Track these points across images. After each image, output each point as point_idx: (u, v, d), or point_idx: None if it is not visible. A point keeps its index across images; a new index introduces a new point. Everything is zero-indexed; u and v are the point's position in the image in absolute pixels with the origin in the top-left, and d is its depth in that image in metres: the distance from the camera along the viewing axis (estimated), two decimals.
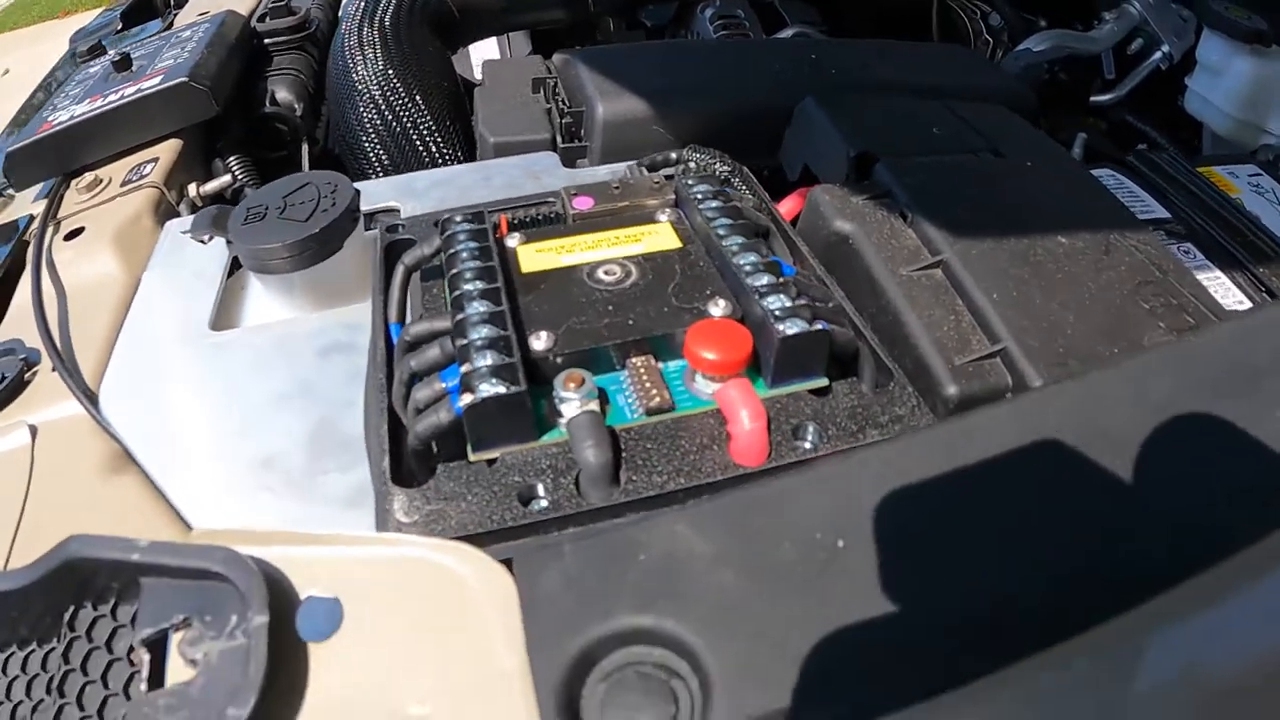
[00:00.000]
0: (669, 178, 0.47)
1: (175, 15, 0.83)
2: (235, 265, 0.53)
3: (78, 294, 0.53)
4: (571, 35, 0.93)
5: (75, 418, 0.46)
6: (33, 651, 0.34)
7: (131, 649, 0.31)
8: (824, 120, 0.51)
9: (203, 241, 0.51)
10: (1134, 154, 0.62)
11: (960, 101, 0.59)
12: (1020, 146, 0.52)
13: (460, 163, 0.66)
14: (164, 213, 0.58)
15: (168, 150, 0.61)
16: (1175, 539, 0.23)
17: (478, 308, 0.34)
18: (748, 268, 0.36)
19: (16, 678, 0.33)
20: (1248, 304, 0.51)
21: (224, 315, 0.50)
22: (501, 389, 0.31)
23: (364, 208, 0.51)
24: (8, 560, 0.41)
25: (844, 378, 0.36)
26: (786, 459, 0.32)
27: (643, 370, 0.34)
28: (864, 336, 0.36)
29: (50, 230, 0.58)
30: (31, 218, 0.62)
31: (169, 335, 0.48)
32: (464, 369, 0.32)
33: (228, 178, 0.61)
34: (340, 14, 0.75)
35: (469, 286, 0.35)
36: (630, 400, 0.34)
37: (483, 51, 0.87)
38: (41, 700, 0.32)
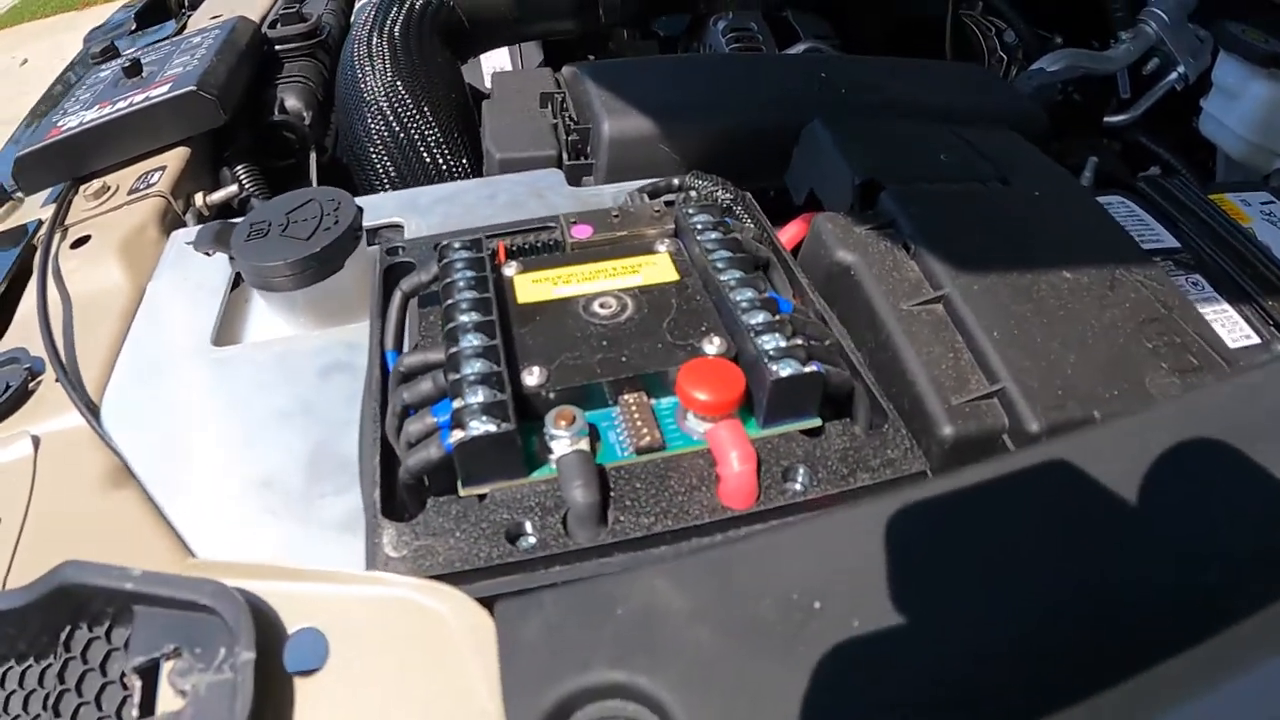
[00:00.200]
0: (670, 203, 0.47)
1: (189, 16, 0.84)
2: (239, 278, 0.53)
3: (83, 303, 0.54)
4: (584, 45, 0.92)
5: (78, 429, 0.46)
6: (30, 667, 0.34)
7: (124, 674, 0.32)
8: (830, 144, 0.50)
9: (206, 254, 0.52)
10: (1145, 180, 0.61)
11: (972, 122, 0.59)
12: (1028, 174, 0.51)
13: (466, 174, 0.66)
14: (170, 222, 0.59)
15: (175, 158, 0.61)
16: (1159, 615, 0.23)
17: (471, 341, 0.34)
18: (744, 304, 0.36)
19: (14, 692, 0.34)
20: (1255, 339, 0.50)
21: (226, 330, 0.50)
22: (492, 427, 0.31)
23: (367, 223, 0.51)
24: (9, 570, 0.41)
25: (838, 417, 0.36)
26: (775, 502, 0.32)
27: (634, 407, 0.34)
28: (860, 376, 0.36)
29: (57, 238, 0.58)
30: (40, 222, 0.62)
31: (171, 349, 0.48)
32: (455, 404, 0.32)
33: (234, 187, 0.61)
34: (352, 20, 0.75)
35: (463, 318, 0.35)
36: (621, 438, 0.34)
37: (494, 60, 0.87)
38: (38, 716, 0.32)
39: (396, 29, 0.66)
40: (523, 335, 0.36)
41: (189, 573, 0.34)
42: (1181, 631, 0.22)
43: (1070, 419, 0.38)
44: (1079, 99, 0.72)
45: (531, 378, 0.34)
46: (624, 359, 0.35)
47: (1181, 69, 0.76)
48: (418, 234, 0.53)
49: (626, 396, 0.35)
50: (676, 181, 0.46)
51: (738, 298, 0.36)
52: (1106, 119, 0.76)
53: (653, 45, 0.94)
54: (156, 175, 0.60)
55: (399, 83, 0.64)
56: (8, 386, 0.49)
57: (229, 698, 0.28)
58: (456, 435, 0.31)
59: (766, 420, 0.34)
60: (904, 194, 0.46)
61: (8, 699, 0.33)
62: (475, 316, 0.35)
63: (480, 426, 0.31)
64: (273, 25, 0.72)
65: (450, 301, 0.36)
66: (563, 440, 0.32)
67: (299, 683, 0.29)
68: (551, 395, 0.34)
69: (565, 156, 0.57)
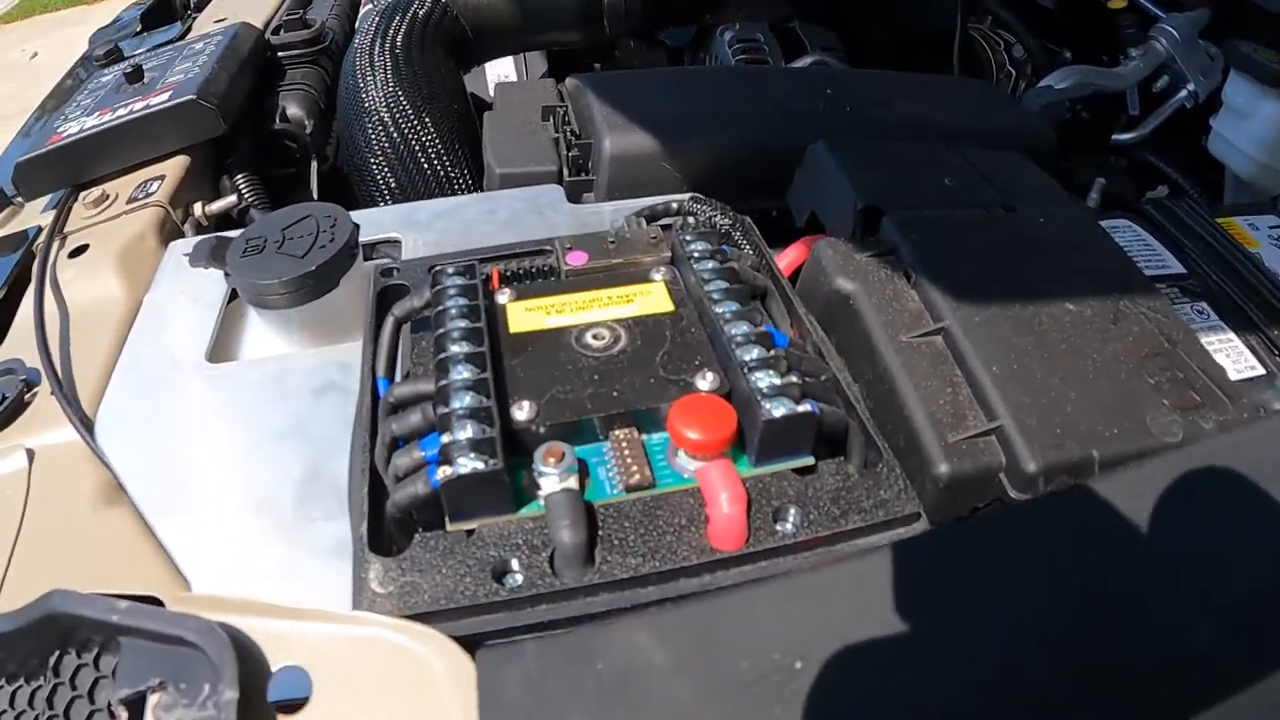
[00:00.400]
0: (668, 226, 0.46)
1: (194, 19, 0.83)
2: (235, 291, 0.53)
3: (80, 314, 0.54)
4: (589, 54, 0.92)
5: (72, 444, 0.46)
6: (20, 688, 0.34)
7: (111, 704, 0.32)
8: (834, 167, 0.50)
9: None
10: (1151, 203, 0.60)
11: (979, 141, 0.58)
12: (1034, 200, 0.51)
13: (468, 185, 0.66)
14: (169, 232, 0.59)
15: (175, 167, 0.61)
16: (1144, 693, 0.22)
17: (461, 373, 0.34)
18: (738, 338, 0.35)
19: (4, 712, 0.34)
20: (1259, 369, 0.50)
21: (222, 346, 0.50)
22: (479, 464, 0.31)
23: (365, 237, 0.51)
24: (2, 581, 0.41)
25: (832, 455, 0.35)
26: (765, 544, 0.32)
27: (625, 444, 0.34)
28: (855, 413, 0.35)
29: (56, 246, 0.58)
30: (40, 229, 0.62)
31: (167, 364, 0.48)
32: (444, 439, 0.32)
33: (233, 198, 0.61)
34: (356, 27, 0.75)
35: (455, 349, 0.35)
36: (611, 474, 0.34)
37: (499, 68, 0.87)
38: None
39: (399, 39, 0.65)
40: (514, 367, 0.36)
41: (176, 606, 0.34)
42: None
43: (1068, 459, 0.37)
44: (1087, 117, 0.71)
45: (521, 412, 0.33)
46: (615, 394, 0.34)
47: (1191, 87, 0.75)
48: (415, 250, 0.53)
49: (617, 432, 0.34)
50: (675, 205, 0.46)
51: (732, 331, 0.36)
52: (1115, 137, 0.76)
53: (659, 54, 0.93)
54: (156, 184, 0.60)
55: (401, 93, 0.63)
56: (3, 398, 0.49)
57: None
58: (444, 472, 0.31)
59: (758, 459, 0.34)
60: (906, 221, 0.46)
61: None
62: (466, 347, 0.35)
63: (468, 464, 0.31)
64: (276, 31, 0.72)
65: (442, 331, 0.36)
66: (551, 477, 0.32)
67: (282, 718, 0.29)
68: (541, 430, 0.33)
69: (566, 172, 0.56)
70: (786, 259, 0.49)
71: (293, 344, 0.49)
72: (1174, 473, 0.27)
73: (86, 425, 0.46)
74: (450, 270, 0.39)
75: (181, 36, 0.79)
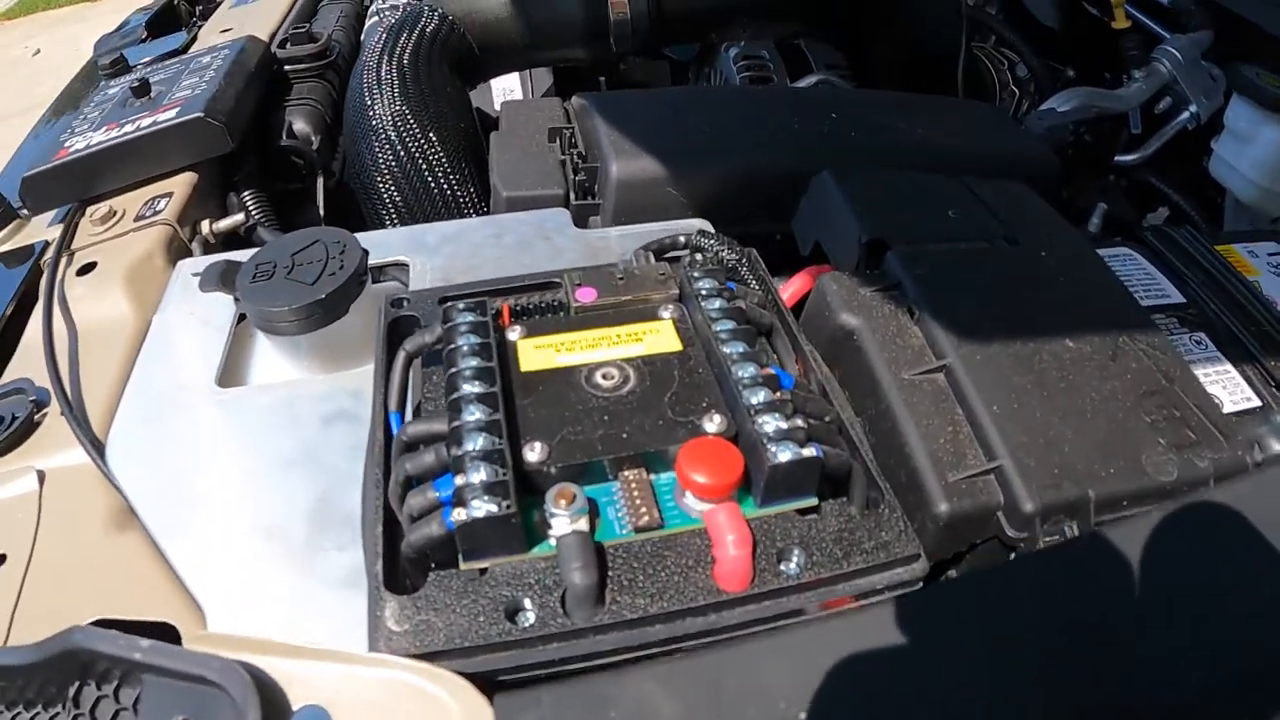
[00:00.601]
0: (676, 259, 0.47)
1: (199, 28, 0.83)
2: (244, 314, 0.53)
3: (89, 334, 0.54)
4: (595, 68, 0.92)
5: (83, 466, 0.47)
6: (38, 714, 0.35)
7: None
8: (839, 198, 0.50)
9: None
10: (1152, 231, 0.61)
11: (983, 167, 0.59)
12: (1036, 231, 0.51)
13: (474, 203, 0.66)
14: (176, 251, 0.59)
15: (182, 184, 0.61)
16: None
17: (474, 413, 0.34)
18: (745, 379, 0.36)
19: None
20: (1255, 401, 0.51)
21: (231, 370, 0.50)
22: (493, 507, 0.31)
23: (372, 260, 0.52)
24: (15, 609, 0.42)
25: (835, 494, 0.36)
26: (769, 585, 0.33)
27: (634, 485, 0.34)
28: (859, 454, 0.36)
29: (64, 263, 0.58)
30: (47, 243, 0.63)
31: (177, 388, 0.48)
32: (458, 481, 0.32)
33: (241, 216, 0.61)
34: (362, 40, 0.75)
35: (467, 388, 0.35)
36: (620, 514, 0.34)
37: (504, 83, 0.87)
38: None
39: (406, 56, 0.66)
40: (525, 407, 0.36)
41: (195, 643, 0.34)
42: None
43: (1065, 499, 0.38)
44: (1090, 140, 0.71)
45: (533, 454, 0.34)
46: (625, 435, 0.35)
47: (1194, 108, 0.75)
48: (423, 273, 0.53)
49: (626, 473, 0.35)
50: (682, 239, 0.46)
51: (740, 373, 0.36)
52: (1117, 158, 0.76)
53: (663, 67, 0.93)
54: (163, 202, 0.60)
55: (408, 110, 0.64)
56: (13, 418, 0.50)
57: None
58: (459, 514, 0.32)
59: (764, 500, 0.34)
60: (910, 255, 0.46)
61: None
62: (478, 387, 0.36)
63: (482, 506, 0.31)
64: (282, 44, 0.72)
65: (454, 369, 0.36)
66: (562, 519, 0.33)
67: None
68: (552, 471, 0.34)
69: (572, 196, 0.57)
70: (791, 289, 0.50)
71: (302, 369, 0.49)
72: (1169, 528, 0.28)
73: (97, 448, 0.47)
74: (461, 306, 0.40)
75: (187, 46, 0.79)
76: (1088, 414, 0.41)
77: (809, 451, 0.34)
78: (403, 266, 0.54)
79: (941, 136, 0.62)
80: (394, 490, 0.35)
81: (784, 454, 0.33)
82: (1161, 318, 0.53)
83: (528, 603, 0.32)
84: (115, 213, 0.60)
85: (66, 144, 0.63)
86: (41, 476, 0.47)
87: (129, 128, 0.62)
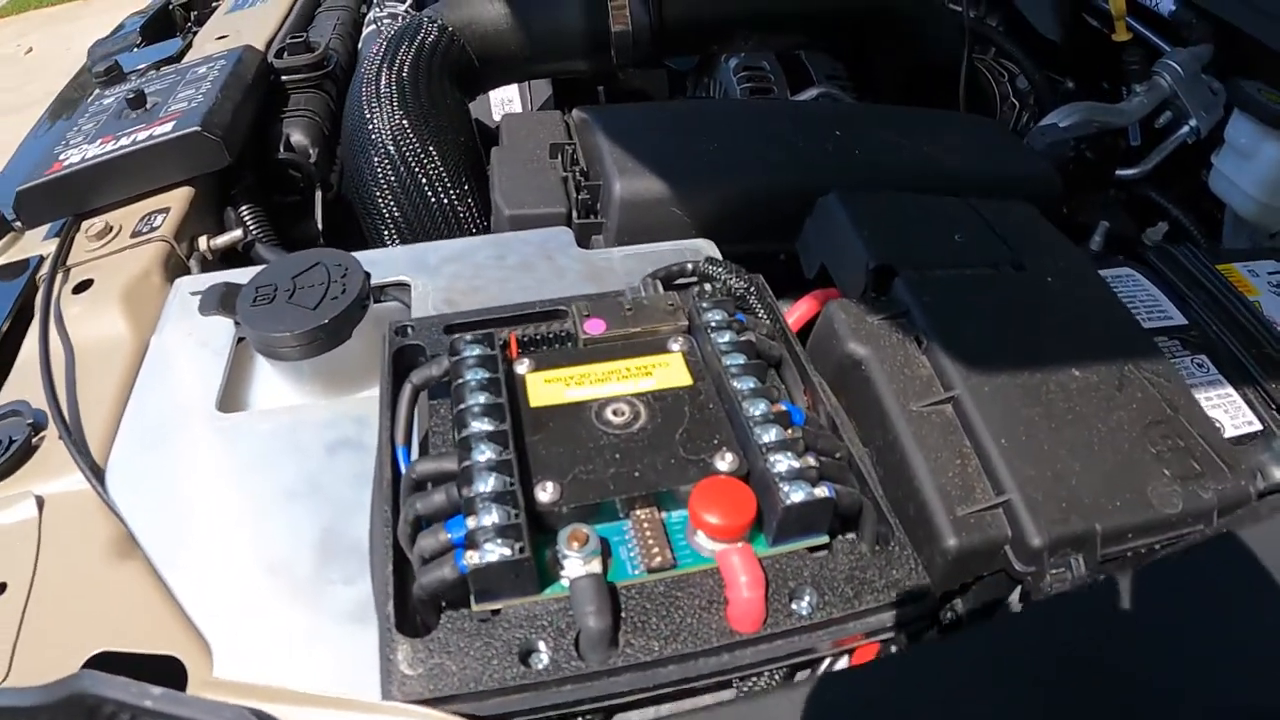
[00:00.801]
0: (683, 286, 0.47)
1: (194, 34, 0.82)
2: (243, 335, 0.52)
3: (85, 354, 0.54)
4: (594, 79, 0.91)
5: (82, 492, 0.46)
6: None
7: None
8: (845, 222, 0.50)
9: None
10: (1154, 250, 0.61)
11: (987, 186, 0.59)
12: (1042, 255, 0.51)
13: (475, 217, 0.66)
14: (174, 268, 0.58)
15: (179, 200, 0.60)
16: None
17: (484, 452, 0.34)
18: (757, 417, 0.36)
19: None
20: (1256, 425, 0.51)
21: (232, 394, 0.50)
22: (507, 550, 0.31)
23: (374, 280, 0.51)
24: (16, 640, 0.41)
25: (844, 531, 0.36)
26: (782, 626, 0.33)
27: (646, 525, 0.34)
28: (869, 491, 0.36)
29: (59, 279, 0.58)
30: (42, 258, 0.62)
31: (176, 413, 0.48)
32: (470, 523, 0.32)
33: (239, 232, 0.60)
34: (360, 48, 0.74)
35: (477, 426, 0.35)
36: (632, 554, 0.34)
37: (502, 92, 0.86)
38: None
39: (405, 68, 0.65)
40: (535, 444, 0.36)
41: (205, 689, 0.34)
42: None
43: (1073, 533, 0.38)
44: (1091, 156, 0.72)
45: (545, 494, 0.34)
46: (637, 474, 0.35)
47: (1194, 122, 0.75)
48: (425, 295, 0.52)
49: (638, 512, 0.35)
50: (690, 267, 0.46)
51: (751, 410, 0.36)
52: (1118, 173, 0.76)
53: (661, 76, 0.93)
54: (160, 218, 0.59)
55: (407, 124, 0.63)
56: (10, 441, 0.49)
57: None
58: (472, 558, 0.31)
59: (776, 539, 0.34)
60: (918, 282, 0.46)
61: None
62: (488, 424, 0.35)
63: (495, 550, 0.31)
64: (279, 54, 0.71)
65: (463, 406, 0.36)
66: (575, 561, 0.33)
67: None
68: (564, 511, 0.34)
69: (575, 214, 0.57)
70: (796, 313, 0.49)
71: (304, 394, 0.49)
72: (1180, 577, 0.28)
73: (97, 474, 0.46)
74: (469, 338, 0.39)
75: (182, 53, 0.78)
76: (1094, 446, 0.41)
77: (821, 491, 0.33)
78: (404, 287, 0.54)
79: (945, 154, 0.62)
80: (403, 530, 0.35)
81: (797, 494, 0.33)
82: (1164, 340, 0.53)
83: (541, 645, 0.32)
84: (111, 228, 0.60)
85: (61, 157, 0.62)
86: (40, 502, 0.47)
87: (125, 141, 0.61)
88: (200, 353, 0.51)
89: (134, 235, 0.59)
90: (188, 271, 0.59)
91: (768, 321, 0.43)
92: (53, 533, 0.45)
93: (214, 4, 0.89)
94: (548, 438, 0.36)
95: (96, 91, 0.71)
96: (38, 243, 0.64)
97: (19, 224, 0.66)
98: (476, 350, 0.39)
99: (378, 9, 0.83)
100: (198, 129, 0.59)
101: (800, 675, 0.35)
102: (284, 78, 0.70)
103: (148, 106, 0.64)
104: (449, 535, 0.33)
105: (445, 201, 0.64)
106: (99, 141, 0.62)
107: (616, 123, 0.60)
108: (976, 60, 0.84)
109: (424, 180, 0.63)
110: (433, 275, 0.54)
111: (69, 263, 0.59)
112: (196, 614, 0.40)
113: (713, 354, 0.39)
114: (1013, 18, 0.93)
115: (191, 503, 0.44)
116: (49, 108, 0.83)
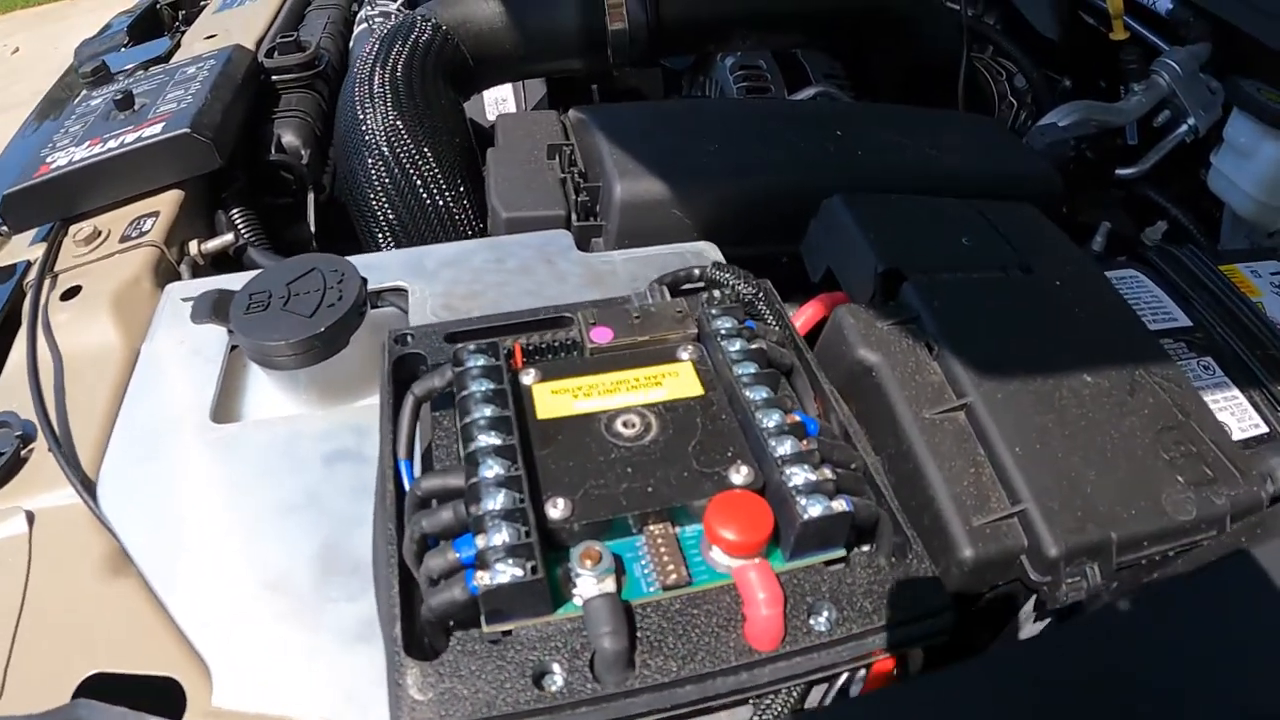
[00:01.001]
0: (690, 292, 0.46)
1: (183, 34, 0.80)
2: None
3: (75, 362, 0.52)
4: (588, 77, 0.90)
5: (73, 507, 0.45)
6: None
7: None
8: (851, 225, 0.49)
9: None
10: (1156, 250, 0.61)
11: (988, 186, 0.58)
12: (1048, 258, 0.51)
13: (470, 219, 0.65)
14: (164, 273, 0.57)
15: (169, 203, 0.59)
16: None
17: (493, 467, 0.33)
18: (771, 428, 0.35)
19: None
20: (1262, 427, 0.51)
21: (225, 404, 0.48)
22: (519, 571, 0.30)
23: (370, 285, 0.50)
24: (9, 659, 0.40)
25: (860, 542, 0.36)
26: (800, 643, 0.32)
27: (660, 541, 0.33)
28: (885, 502, 0.35)
29: (47, 285, 0.56)
30: (29, 263, 0.60)
31: (169, 424, 0.47)
32: (479, 542, 0.31)
33: (230, 235, 0.59)
34: (351, 47, 0.73)
35: (484, 440, 0.34)
36: (647, 571, 0.33)
37: (496, 91, 0.85)
38: None
39: (399, 68, 0.64)
40: (544, 458, 0.35)
41: (205, 719, 0.33)
42: None
43: (1089, 541, 0.38)
44: (1091, 156, 0.71)
45: (556, 510, 0.33)
46: (649, 489, 0.34)
47: (1192, 121, 0.75)
48: (423, 300, 0.51)
49: (652, 528, 0.34)
50: (697, 272, 0.45)
51: (765, 422, 0.35)
52: (1117, 172, 0.76)
53: (657, 75, 0.92)
54: (149, 222, 0.58)
55: (401, 125, 0.62)
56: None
57: None
58: (482, 579, 0.30)
59: (793, 554, 0.34)
60: (927, 286, 0.46)
61: None
62: (495, 438, 0.34)
63: (507, 570, 0.30)
64: (269, 53, 0.70)
65: (468, 419, 0.35)
66: (588, 579, 0.32)
67: None
68: (576, 528, 0.33)
69: (574, 216, 0.56)
70: (803, 317, 0.49)
71: (300, 404, 0.47)
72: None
73: (88, 487, 0.45)
74: (472, 348, 0.38)
75: (170, 53, 0.76)
76: (1108, 453, 0.41)
77: (840, 505, 0.33)
78: (401, 293, 0.53)
79: (947, 154, 0.62)
80: (409, 548, 0.33)
81: (815, 508, 0.32)
82: (1170, 342, 0.53)
83: (556, 667, 0.31)
84: (100, 233, 0.58)
85: (47, 159, 0.60)
86: (30, 517, 0.45)
87: (113, 143, 0.59)
88: (193, 361, 0.50)
89: (123, 240, 0.57)
90: (178, 277, 0.58)
91: (777, 328, 0.43)
92: (43, 549, 0.44)
93: (202, 3, 0.87)
94: (557, 451, 0.35)
95: (84, 92, 0.69)
96: (24, 248, 0.62)
97: (5, 229, 0.64)
98: (481, 360, 0.38)
99: (369, 8, 0.82)
100: (187, 130, 0.58)
101: (816, 691, 0.34)
102: (274, 78, 0.69)
103: (136, 108, 0.62)
104: (458, 555, 0.32)
105: (441, 203, 0.63)
106: (87, 143, 0.60)
107: (615, 123, 0.59)
108: (974, 59, 0.84)
109: (419, 182, 0.62)
110: (430, 280, 0.53)
111: (57, 268, 0.58)
112: (193, 633, 0.39)
113: (723, 363, 0.38)
114: (1010, 16, 0.92)
115: (186, 517, 0.43)
116: (36, 109, 0.81)
